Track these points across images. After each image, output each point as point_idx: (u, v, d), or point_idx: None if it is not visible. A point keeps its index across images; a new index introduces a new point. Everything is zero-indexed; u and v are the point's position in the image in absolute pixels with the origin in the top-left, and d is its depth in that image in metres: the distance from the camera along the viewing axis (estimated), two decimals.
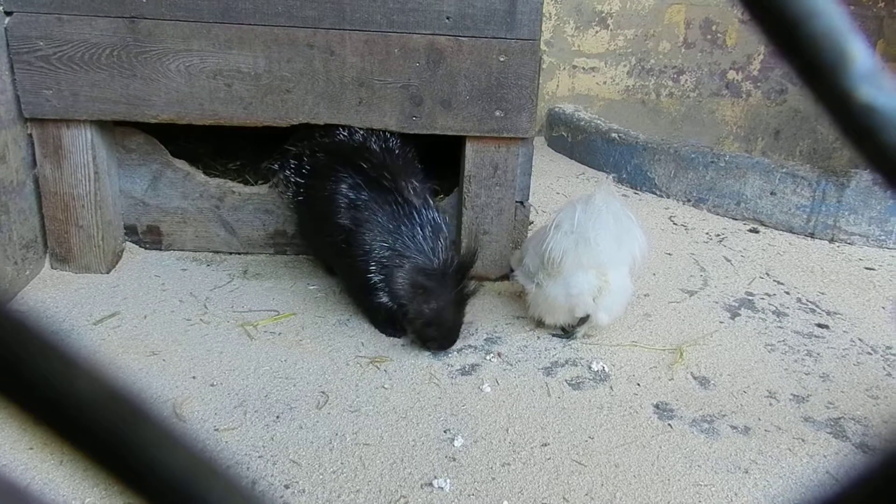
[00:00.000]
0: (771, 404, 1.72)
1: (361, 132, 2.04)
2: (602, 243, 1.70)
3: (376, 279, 1.81)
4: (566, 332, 1.93)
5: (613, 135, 3.28)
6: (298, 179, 2.05)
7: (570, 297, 1.77)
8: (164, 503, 0.20)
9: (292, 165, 2.08)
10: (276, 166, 2.20)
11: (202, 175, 2.24)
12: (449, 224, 1.89)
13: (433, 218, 1.80)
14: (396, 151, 2.00)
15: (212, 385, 1.68)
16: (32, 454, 1.40)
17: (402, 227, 1.78)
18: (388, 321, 1.90)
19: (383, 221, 1.81)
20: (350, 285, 2.02)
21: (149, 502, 0.20)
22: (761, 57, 4.04)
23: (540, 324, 1.93)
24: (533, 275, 1.85)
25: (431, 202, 1.86)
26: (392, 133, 2.07)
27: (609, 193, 1.73)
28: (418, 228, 1.77)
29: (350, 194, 1.87)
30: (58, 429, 0.20)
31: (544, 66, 3.65)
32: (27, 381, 0.19)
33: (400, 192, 1.81)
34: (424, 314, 1.77)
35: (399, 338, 1.89)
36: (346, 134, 2.03)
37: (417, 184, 1.86)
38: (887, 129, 0.21)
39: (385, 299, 1.82)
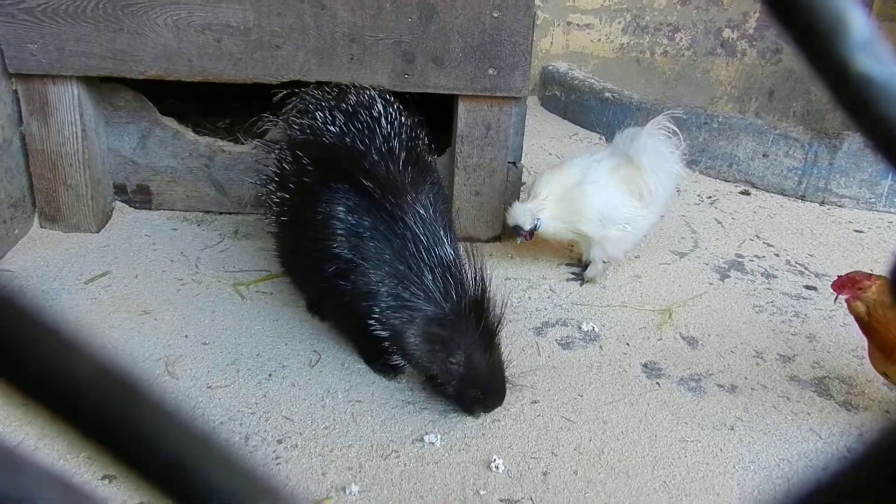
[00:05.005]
0: (757, 364, 1.74)
1: (355, 129, 1.65)
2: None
3: (382, 334, 1.49)
4: (579, 276, 2.05)
5: (607, 94, 3.24)
6: (284, 195, 1.68)
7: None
8: (158, 479, 0.20)
9: (275, 177, 1.74)
10: (257, 182, 1.87)
11: (192, 133, 2.21)
12: (462, 255, 1.52)
13: (442, 256, 1.46)
14: (403, 156, 1.60)
15: (204, 344, 1.68)
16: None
17: (411, 269, 1.45)
18: (385, 365, 1.60)
19: (390, 259, 1.48)
20: (342, 325, 1.71)
21: (143, 478, 0.20)
22: (757, 14, 3.98)
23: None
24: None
25: (444, 231, 1.51)
26: (395, 133, 1.67)
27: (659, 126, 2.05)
28: (427, 272, 1.44)
29: (349, 219, 1.52)
30: (50, 406, 0.20)
31: (538, 22, 3.59)
32: (18, 357, 0.19)
33: (404, 220, 1.47)
34: (452, 372, 1.45)
35: (392, 380, 1.61)
36: (336, 131, 1.66)
37: (426, 209, 1.50)
38: (883, 99, 0.21)
39: (397, 360, 1.53)
